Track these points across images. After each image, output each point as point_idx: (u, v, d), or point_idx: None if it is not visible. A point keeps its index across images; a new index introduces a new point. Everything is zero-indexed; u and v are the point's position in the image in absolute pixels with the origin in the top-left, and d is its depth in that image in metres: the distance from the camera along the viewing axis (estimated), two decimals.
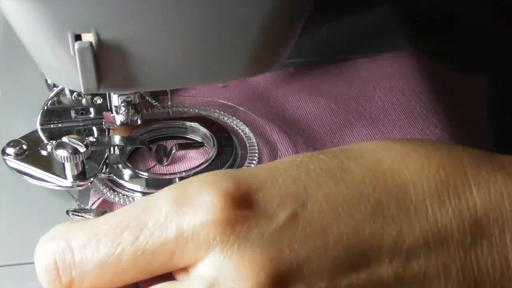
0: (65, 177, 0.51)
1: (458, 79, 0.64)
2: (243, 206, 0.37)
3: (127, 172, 0.53)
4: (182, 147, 0.56)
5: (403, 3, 0.73)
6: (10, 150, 0.53)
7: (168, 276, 0.39)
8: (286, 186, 0.38)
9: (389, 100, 0.60)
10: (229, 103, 0.60)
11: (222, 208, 0.36)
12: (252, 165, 0.54)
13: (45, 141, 0.54)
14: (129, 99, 0.53)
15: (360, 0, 0.73)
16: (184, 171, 0.53)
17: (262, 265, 0.35)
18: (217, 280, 0.36)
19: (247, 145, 0.56)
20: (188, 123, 0.57)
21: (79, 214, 0.47)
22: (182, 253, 0.37)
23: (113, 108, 0.54)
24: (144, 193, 0.52)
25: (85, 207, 0.51)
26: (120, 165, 0.54)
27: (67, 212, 0.48)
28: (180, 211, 0.37)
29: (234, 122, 0.58)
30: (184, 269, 0.38)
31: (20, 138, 0.54)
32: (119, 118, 0.53)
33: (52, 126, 0.56)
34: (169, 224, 0.37)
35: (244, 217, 0.36)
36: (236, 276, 0.35)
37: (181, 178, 0.52)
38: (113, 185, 0.53)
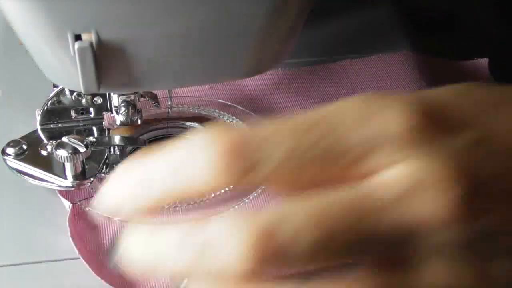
0: (65, 177, 0.51)
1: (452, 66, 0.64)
2: (436, 121, 0.36)
3: None
4: None
5: (403, 3, 0.73)
6: (10, 150, 0.53)
7: None
8: (471, 105, 0.37)
9: None
10: (228, 103, 0.60)
11: (418, 120, 0.35)
12: None
13: (45, 141, 0.54)
14: (129, 99, 0.52)
15: (360, 0, 0.73)
16: None
17: (464, 174, 0.34)
18: (419, 180, 0.34)
19: None
20: (188, 123, 0.57)
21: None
22: (373, 157, 0.35)
23: (113, 108, 0.53)
24: None
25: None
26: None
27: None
28: (374, 116, 0.35)
29: (234, 122, 0.58)
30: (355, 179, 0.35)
31: (20, 138, 0.54)
32: (119, 118, 0.53)
33: (52, 126, 0.56)
34: (364, 125, 0.35)
35: (439, 130, 0.35)
36: (440, 178, 0.34)
37: None
38: None
